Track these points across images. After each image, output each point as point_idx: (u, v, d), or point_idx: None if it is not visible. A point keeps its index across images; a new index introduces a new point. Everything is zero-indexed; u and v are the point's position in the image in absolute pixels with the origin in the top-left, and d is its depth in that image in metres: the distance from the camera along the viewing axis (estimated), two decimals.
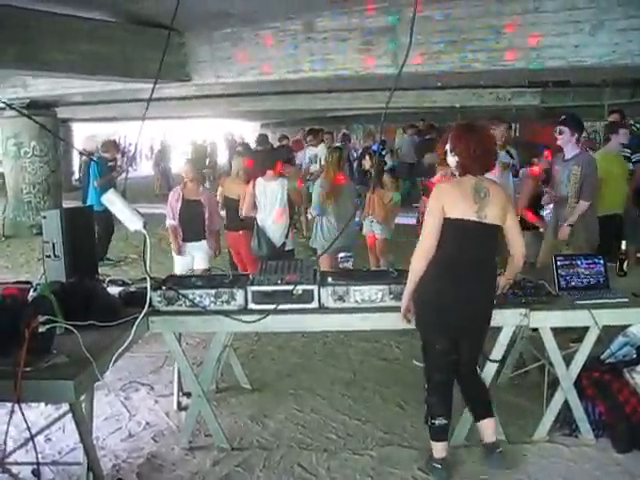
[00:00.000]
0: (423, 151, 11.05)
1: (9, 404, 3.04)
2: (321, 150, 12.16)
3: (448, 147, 3.95)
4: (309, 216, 11.57)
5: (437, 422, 3.99)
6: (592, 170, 6.03)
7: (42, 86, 11.00)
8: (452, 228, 3.80)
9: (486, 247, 3.92)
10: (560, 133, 6.05)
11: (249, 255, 7.39)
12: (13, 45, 6.93)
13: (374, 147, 12.57)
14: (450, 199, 3.82)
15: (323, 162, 11.09)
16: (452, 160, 3.94)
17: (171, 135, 28.06)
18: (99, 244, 9.48)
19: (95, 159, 11.25)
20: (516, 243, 3.96)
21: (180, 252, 7.09)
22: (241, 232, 7.57)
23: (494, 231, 3.88)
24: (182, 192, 7.06)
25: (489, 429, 4.10)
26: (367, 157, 9.56)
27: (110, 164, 10.99)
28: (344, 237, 6.06)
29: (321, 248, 7.05)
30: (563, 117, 6.30)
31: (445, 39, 7.14)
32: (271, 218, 7.00)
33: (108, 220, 9.56)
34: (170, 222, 7.08)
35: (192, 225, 7.02)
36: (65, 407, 4.17)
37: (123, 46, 8.00)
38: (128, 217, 3.72)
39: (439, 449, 4.05)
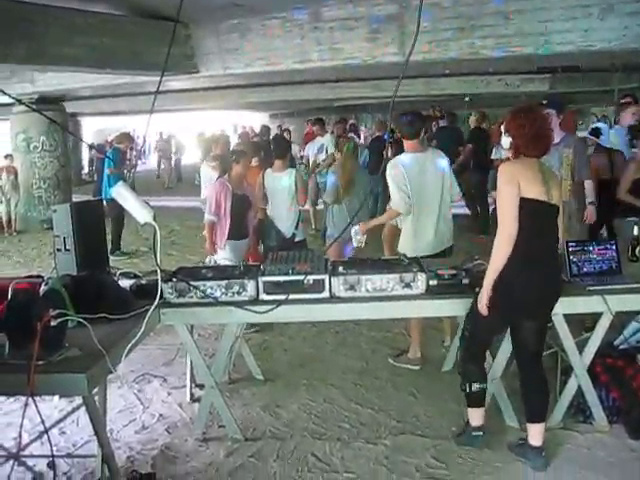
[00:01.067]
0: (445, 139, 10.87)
1: (23, 398, 3.06)
2: (327, 139, 12.11)
3: (503, 128, 3.92)
4: (318, 207, 11.58)
5: (475, 387, 4.01)
6: (582, 149, 6.15)
7: (50, 81, 11.04)
8: (529, 209, 3.68)
9: (555, 229, 3.91)
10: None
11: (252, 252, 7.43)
12: (21, 40, 6.94)
13: (385, 136, 12.49)
14: (524, 178, 3.70)
15: (330, 151, 11.04)
16: (506, 141, 3.90)
17: (178, 127, 28.05)
18: (112, 236, 9.54)
19: (110, 151, 11.33)
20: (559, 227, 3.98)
21: (216, 251, 6.56)
22: None
23: (556, 213, 3.88)
24: (230, 186, 6.56)
25: (538, 433, 3.98)
26: (391, 147, 9.39)
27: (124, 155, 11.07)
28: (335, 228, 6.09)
29: (331, 237, 7.03)
30: (545, 101, 6.21)
31: (453, 26, 7.11)
32: (279, 209, 6.98)
33: (119, 211, 9.56)
34: (210, 218, 6.48)
35: (240, 222, 6.59)
36: (79, 400, 4.19)
37: (130, 39, 8.01)
38: (138, 210, 3.71)
39: (477, 416, 4.08)
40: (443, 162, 5.52)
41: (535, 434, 3.98)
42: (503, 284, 3.76)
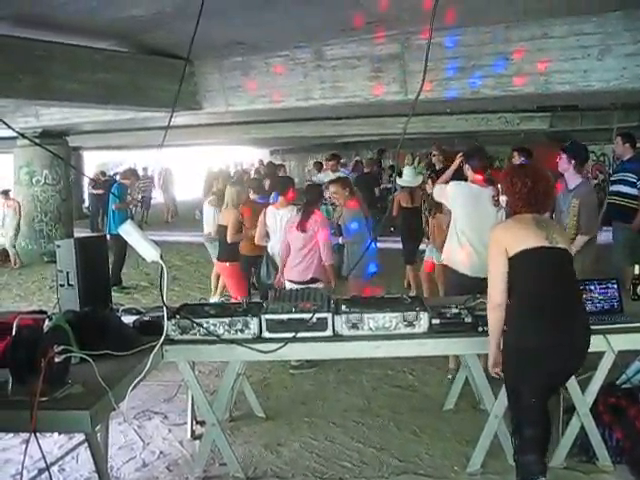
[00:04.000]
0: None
1: (22, 433, 3.04)
2: (324, 177, 12.21)
3: (500, 187, 3.93)
4: None
5: None
6: (590, 202, 5.86)
7: (54, 115, 11.13)
8: (524, 262, 3.59)
9: (567, 276, 3.69)
10: (560, 159, 5.91)
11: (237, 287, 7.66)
12: (26, 75, 7.01)
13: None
14: (512, 236, 3.67)
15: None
16: (503, 200, 3.89)
17: (177, 162, 28.21)
18: (113, 270, 9.54)
19: (114, 186, 11.45)
20: None
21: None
22: (227, 264, 7.99)
23: (569, 257, 3.70)
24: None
25: None
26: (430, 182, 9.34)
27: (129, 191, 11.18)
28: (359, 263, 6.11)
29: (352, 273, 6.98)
30: (567, 143, 6.26)
31: (454, 65, 7.19)
32: (280, 246, 6.99)
33: (122, 245, 9.60)
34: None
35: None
36: (79, 436, 4.17)
37: (134, 75, 8.09)
38: (145, 248, 3.73)
39: None
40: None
41: None
42: (509, 345, 3.67)
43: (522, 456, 3.66)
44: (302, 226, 6.38)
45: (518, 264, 3.60)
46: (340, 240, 7.47)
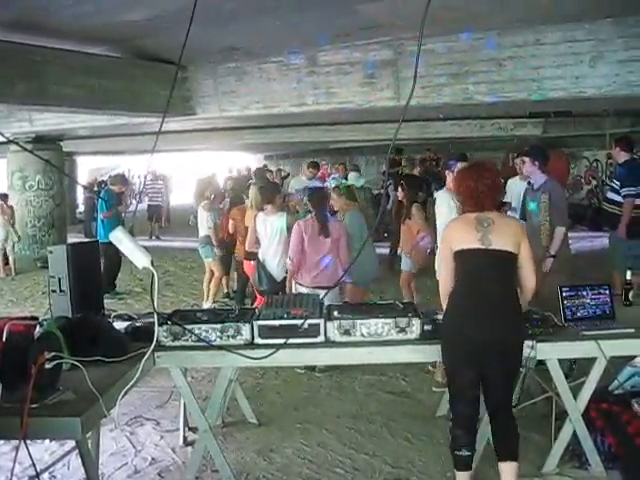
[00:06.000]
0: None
1: (13, 441, 3.03)
2: (295, 182, 12.47)
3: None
4: None
5: (460, 453, 3.93)
6: (558, 195, 6.21)
7: (48, 120, 11.11)
8: (460, 260, 3.89)
9: (499, 276, 3.87)
10: (523, 163, 6.46)
11: None
12: (20, 80, 7.01)
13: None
14: (454, 234, 3.97)
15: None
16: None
17: (172, 167, 28.11)
18: (105, 276, 9.51)
19: (102, 192, 11.36)
20: (527, 276, 3.93)
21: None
22: (252, 262, 7.46)
23: (504, 258, 3.83)
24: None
25: (510, 474, 3.93)
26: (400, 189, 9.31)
27: (117, 197, 11.06)
28: (361, 269, 6.14)
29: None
30: (525, 148, 6.66)
31: (447, 72, 7.22)
32: (270, 252, 6.98)
33: (115, 252, 9.56)
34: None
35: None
36: (71, 443, 4.15)
37: (128, 81, 8.10)
38: (135, 254, 3.73)
39: (462, 478, 3.99)
40: None
41: (508, 473, 3.94)
42: (444, 332, 4.02)
43: (453, 430, 3.99)
44: (325, 231, 6.39)
45: (457, 261, 3.92)
46: None
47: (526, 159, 6.35)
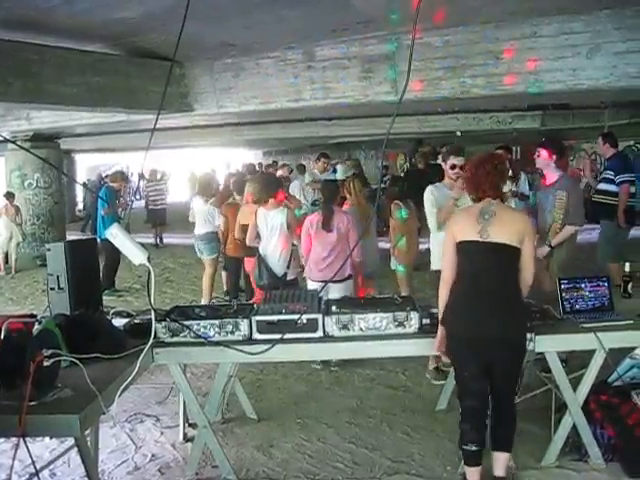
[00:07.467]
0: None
1: (14, 438, 3.03)
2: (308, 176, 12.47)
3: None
4: None
5: (468, 448, 3.92)
6: (577, 193, 6.01)
7: (46, 118, 11.09)
8: (460, 252, 3.92)
9: (497, 269, 3.87)
10: (538, 155, 5.99)
11: None
12: (17, 78, 7.00)
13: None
14: (457, 225, 4.00)
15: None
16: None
17: (171, 164, 28.04)
18: (105, 273, 9.51)
19: (102, 189, 11.35)
20: (525, 268, 3.92)
21: None
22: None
23: (505, 251, 3.82)
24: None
25: (501, 463, 4.00)
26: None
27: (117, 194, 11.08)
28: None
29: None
30: (543, 139, 6.39)
31: (444, 65, 7.20)
32: (271, 247, 6.97)
33: (114, 249, 9.54)
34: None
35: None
36: (70, 440, 4.15)
37: (126, 78, 8.08)
38: (132, 251, 3.73)
39: (471, 474, 3.98)
40: None
41: (500, 462, 4.01)
42: (448, 325, 3.99)
43: (461, 424, 3.98)
44: (326, 225, 6.43)
45: (459, 252, 3.93)
46: None
47: (543, 151, 5.96)
